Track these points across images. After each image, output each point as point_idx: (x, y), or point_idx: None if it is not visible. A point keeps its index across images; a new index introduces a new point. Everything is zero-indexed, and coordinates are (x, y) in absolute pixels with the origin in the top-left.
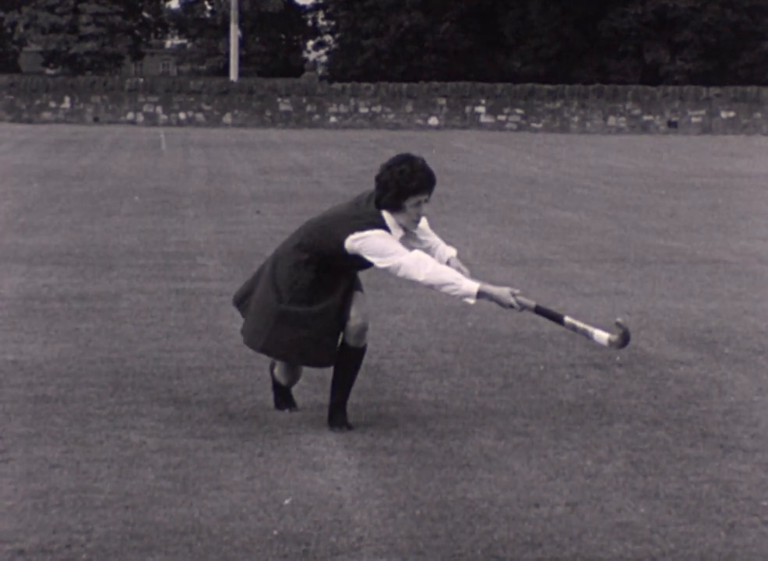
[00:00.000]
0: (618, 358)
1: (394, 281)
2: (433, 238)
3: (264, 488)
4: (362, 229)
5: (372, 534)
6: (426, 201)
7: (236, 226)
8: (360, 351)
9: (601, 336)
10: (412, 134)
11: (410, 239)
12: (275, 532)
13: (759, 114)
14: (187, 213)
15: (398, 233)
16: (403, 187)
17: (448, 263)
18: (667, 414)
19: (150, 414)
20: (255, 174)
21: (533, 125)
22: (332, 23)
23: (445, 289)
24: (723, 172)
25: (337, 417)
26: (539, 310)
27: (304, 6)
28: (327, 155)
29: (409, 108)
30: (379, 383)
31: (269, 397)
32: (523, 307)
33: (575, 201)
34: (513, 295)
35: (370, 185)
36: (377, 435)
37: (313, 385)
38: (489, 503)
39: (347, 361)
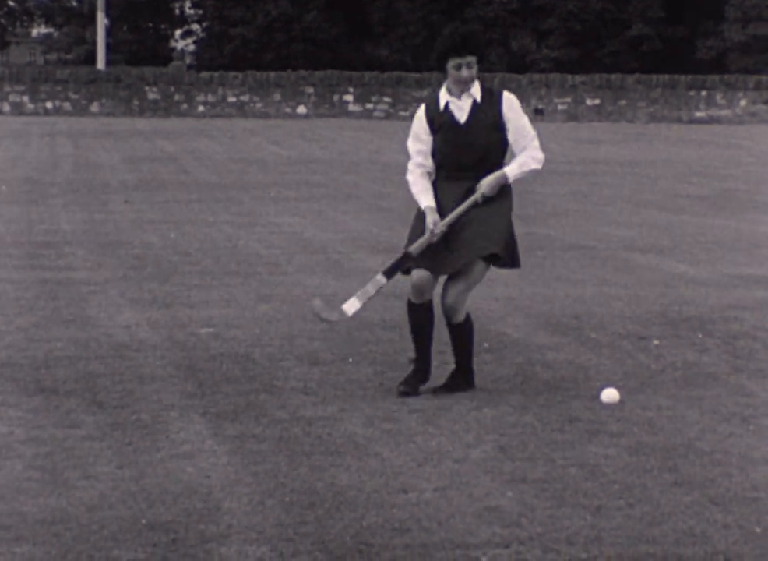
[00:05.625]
0: (486, 344)
1: (262, 269)
2: (519, 155)
3: (133, 477)
4: None
5: (241, 522)
6: (468, 66)
7: (104, 215)
8: (456, 327)
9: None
10: (280, 122)
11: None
12: (144, 521)
13: (623, 102)
14: (54, 203)
15: (444, 98)
16: (438, 50)
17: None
18: (534, 399)
19: (18, 405)
20: (122, 164)
21: (401, 113)
22: (200, 12)
23: (413, 193)
24: (589, 159)
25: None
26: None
27: None
28: (195, 144)
29: (277, 97)
30: (248, 371)
31: (137, 387)
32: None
33: None
34: (432, 232)
35: (238, 174)
36: (246, 423)
37: (182, 373)
38: (358, 490)
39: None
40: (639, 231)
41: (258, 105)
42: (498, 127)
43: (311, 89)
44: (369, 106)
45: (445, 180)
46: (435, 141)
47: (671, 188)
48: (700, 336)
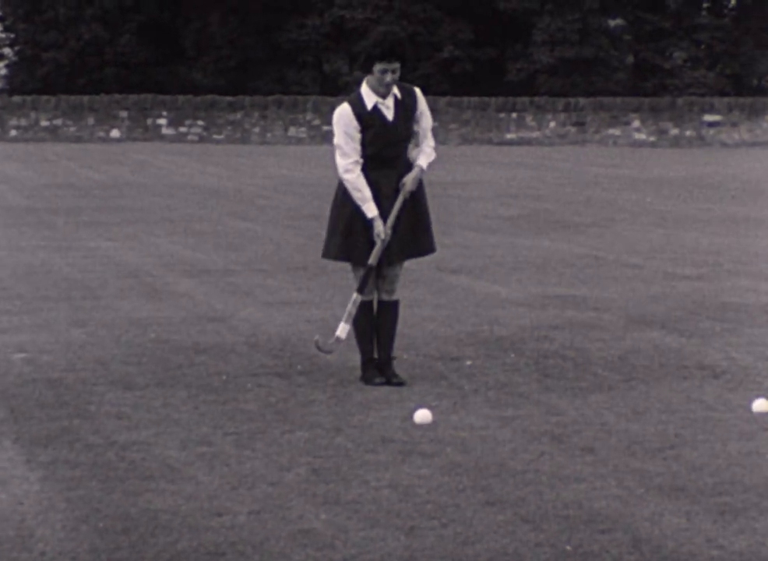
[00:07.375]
0: (299, 367)
1: (76, 294)
2: (422, 145)
3: None
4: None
5: (55, 549)
6: (393, 72)
7: None
8: (394, 304)
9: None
10: (94, 146)
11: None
12: None
13: (435, 123)
14: None
15: (371, 99)
16: (367, 54)
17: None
18: (347, 421)
19: None
20: None
21: (215, 136)
22: (12, 36)
23: (355, 197)
24: None
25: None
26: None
27: None
28: (7, 169)
29: (90, 121)
30: (62, 397)
31: None
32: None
33: (255, 211)
34: (383, 241)
35: (51, 198)
36: (59, 449)
37: (6, 402)
38: (172, 514)
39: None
40: (451, 251)
41: (72, 129)
42: (414, 120)
43: (124, 113)
44: (183, 129)
45: (375, 169)
46: (362, 138)
47: (482, 209)
48: (512, 356)
